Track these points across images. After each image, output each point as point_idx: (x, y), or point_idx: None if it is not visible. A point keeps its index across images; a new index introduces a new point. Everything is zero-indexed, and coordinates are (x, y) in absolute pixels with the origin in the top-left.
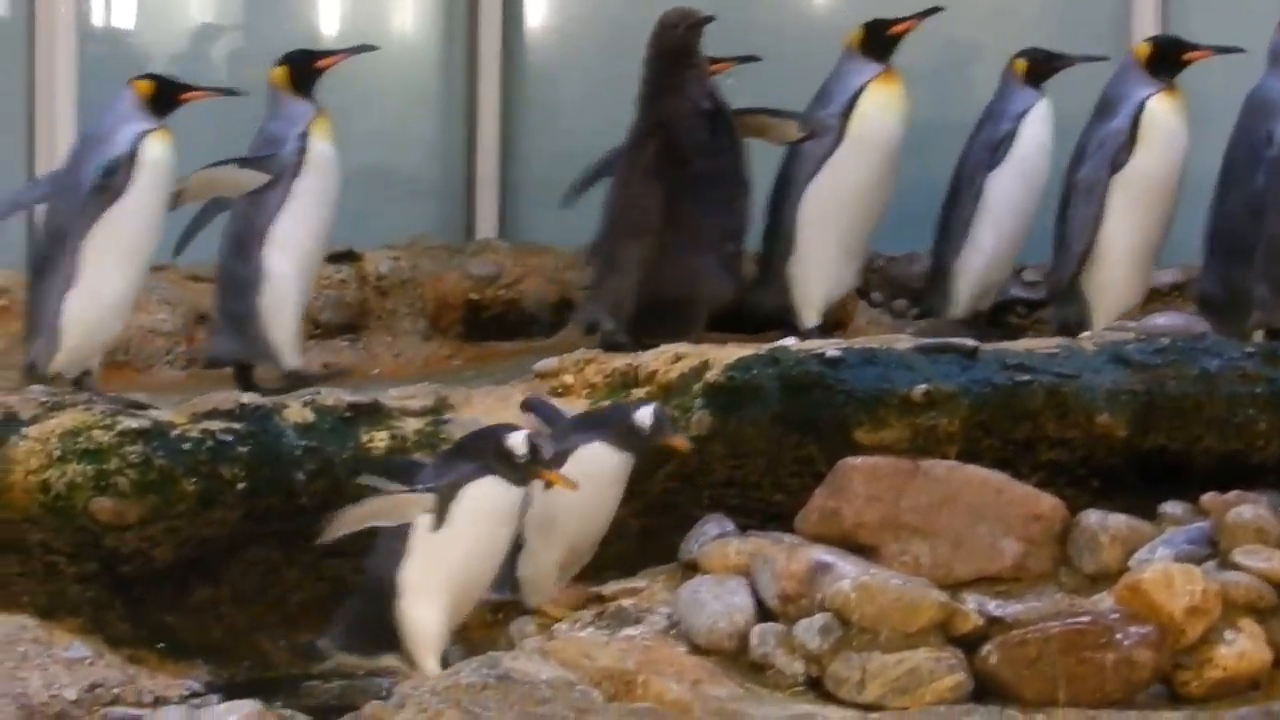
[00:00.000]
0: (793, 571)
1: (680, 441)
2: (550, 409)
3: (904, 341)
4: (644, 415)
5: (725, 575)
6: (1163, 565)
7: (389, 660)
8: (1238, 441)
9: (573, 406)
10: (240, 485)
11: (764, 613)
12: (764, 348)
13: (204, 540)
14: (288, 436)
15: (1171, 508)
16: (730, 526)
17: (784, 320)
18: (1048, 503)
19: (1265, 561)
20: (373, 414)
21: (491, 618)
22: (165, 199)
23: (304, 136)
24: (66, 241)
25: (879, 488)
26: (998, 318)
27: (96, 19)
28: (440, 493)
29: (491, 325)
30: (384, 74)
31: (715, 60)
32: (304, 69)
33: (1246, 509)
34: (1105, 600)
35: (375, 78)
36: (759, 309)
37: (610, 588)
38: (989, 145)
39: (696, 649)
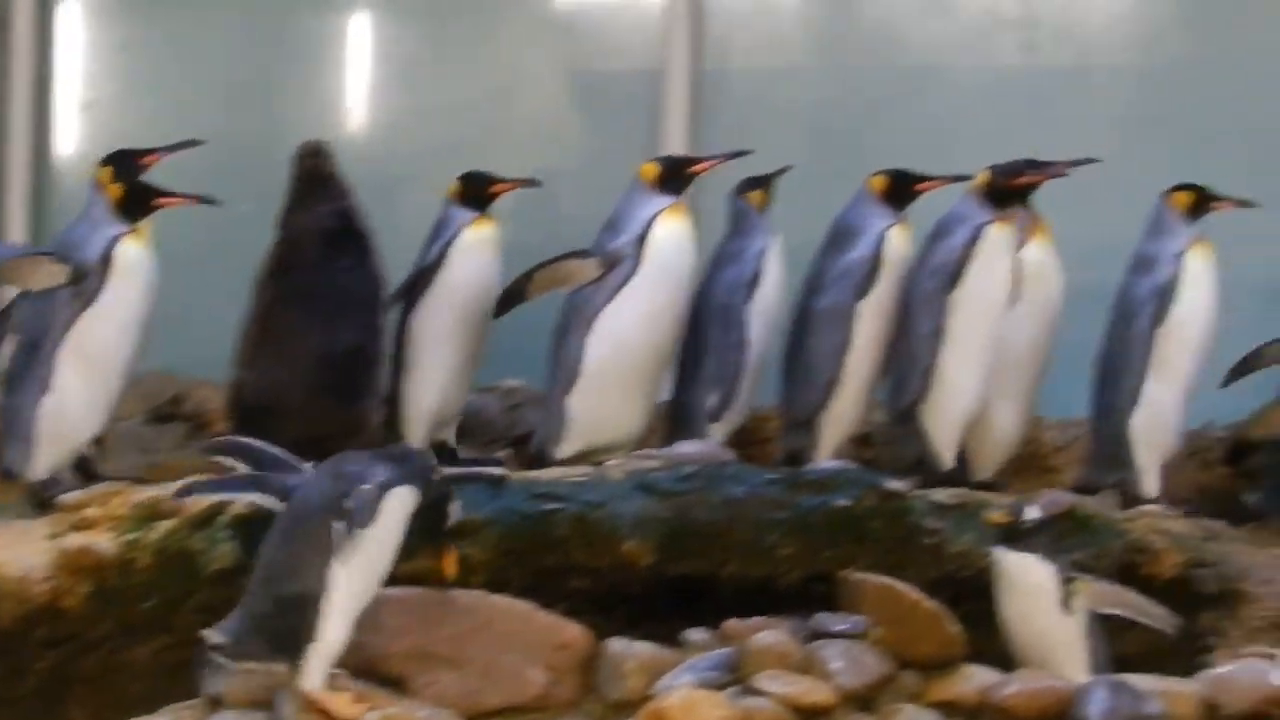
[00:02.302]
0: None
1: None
2: (253, 448)
3: None
4: (456, 509)
5: (248, 709)
6: (686, 692)
7: (279, 665)
8: (762, 568)
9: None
10: None
11: None
12: None
13: None
14: None
15: (695, 634)
16: None
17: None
18: (573, 631)
19: (786, 686)
20: None
21: None
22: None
23: (115, 241)
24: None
25: (408, 619)
26: None
27: None
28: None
29: None
30: None
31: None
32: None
33: (768, 635)
34: None
35: None
36: (534, 448)
37: None
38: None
39: None
